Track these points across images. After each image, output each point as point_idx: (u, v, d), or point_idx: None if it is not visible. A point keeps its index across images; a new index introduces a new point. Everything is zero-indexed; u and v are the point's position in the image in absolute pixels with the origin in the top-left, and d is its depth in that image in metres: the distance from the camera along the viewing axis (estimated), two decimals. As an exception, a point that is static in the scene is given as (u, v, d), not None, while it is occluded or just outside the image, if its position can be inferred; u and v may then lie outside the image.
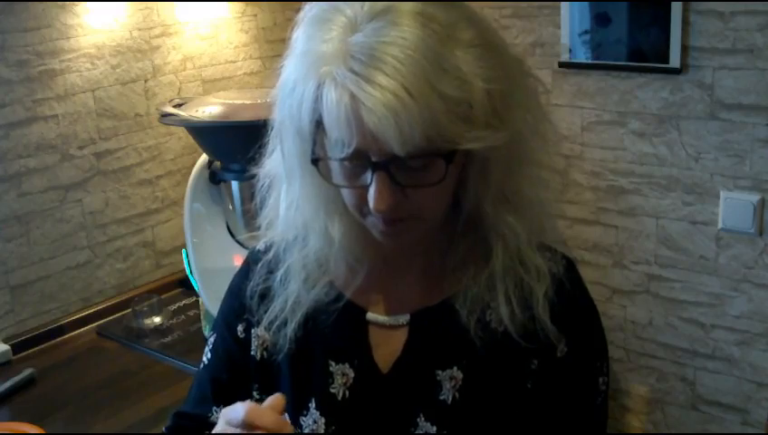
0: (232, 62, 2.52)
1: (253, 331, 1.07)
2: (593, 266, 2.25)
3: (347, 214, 0.96)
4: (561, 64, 2.19)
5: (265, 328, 1.05)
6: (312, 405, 1.02)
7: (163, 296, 2.28)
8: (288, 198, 0.99)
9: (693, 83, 2.01)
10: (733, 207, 2.02)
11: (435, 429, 0.98)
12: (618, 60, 2.10)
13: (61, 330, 2.14)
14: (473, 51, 0.86)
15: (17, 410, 1.81)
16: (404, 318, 1.01)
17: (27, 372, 1.91)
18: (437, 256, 1.01)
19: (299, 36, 0.90)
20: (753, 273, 2.03)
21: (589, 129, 2.21)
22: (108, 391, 1.88)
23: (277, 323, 1.03)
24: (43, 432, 1.67)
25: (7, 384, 1.86)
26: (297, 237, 1.03)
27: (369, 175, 0.87)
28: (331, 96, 0.83)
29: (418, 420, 0.98)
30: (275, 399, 0.87)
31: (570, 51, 2.17)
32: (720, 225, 2.05)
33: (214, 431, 0.91)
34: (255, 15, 2.55)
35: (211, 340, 1.13)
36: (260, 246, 1.10)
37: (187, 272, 2.11)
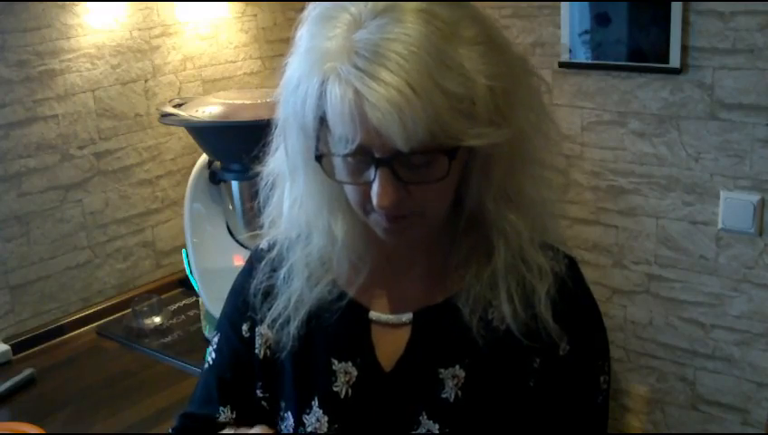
0: (232, 62, 2.52)
1: (257, 329, 1.07)
2: (593, 266, 2.25)
3: (350, 212, 0.96)
4: (561, 64, 2.19)
5: (268, 326, 1.05)
6: (315, 403, 1.02)
7: (163, 296, 2.27)
8: (291, 195, 0.99)
9: (693, 83, 2.01)
10: (733, 207, 2.02)
11: (437, 427, 0.98)
12: (618, 60, 2.10)
13: (61, 330, 2.13)
14: (476, 48, 0.86)
15: (17, 410, 1.81)
16: (407, 317, 1.01)
17: (27, 372, 1.91)
18: (440, 254, 1.01)
19: (303, 34, 0.90)
20: (753, 273, 2.04)
21: (589, 129, 2.21)
22: (108, 391, 1.88)
23: (280, 321, 1.03)
24: (43, 432, 1.67)
25: (7, 384, 1.86)
26: (300, 236, 1.03)
27: (372, 171, 0.87)
28: (334, 92, 0.84)
29: (421, 418, 0.98)
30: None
31: (570, 51, 2.17)
32: (720, 225, 2.05)
33: None
34: (255, 15, 2.55)
35: (215, 340, 1.12)
36: (263, 244, 1.10)
37: (187, 272, 2.11)
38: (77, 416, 1.78)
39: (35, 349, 2.06)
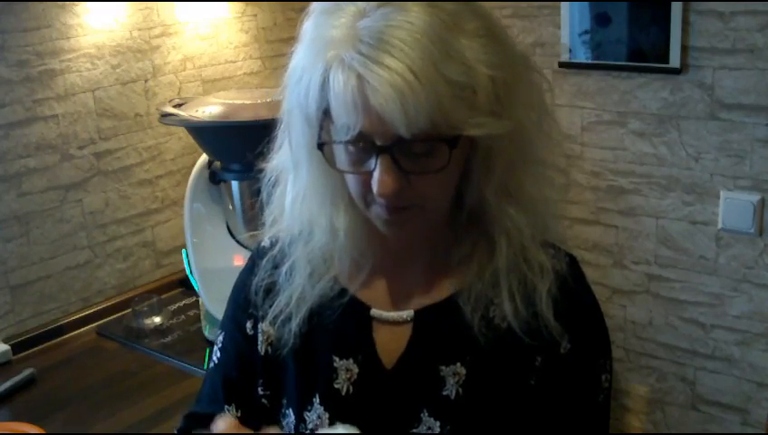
0: (232, 62, 2.52)
1: (259, 326, 1.07)
2: (593, 266, 2.25)
3: (352, 207, 0.97)
4: (561, 64, 2.20)
5: (270, 323, 1.05)
6: (317, 400, 1.02)
7: (163, 296, 2.27)
8: (294, 189, 1.00)
9: (693, 83, 2.02)
10: (733, 207, 2.02)
11: (438, 424, 0.98)
12: (618, 60, 2.11)
13: (61, 330, 2.13)
14: (478, 40, 0.87)
15: (17, 410, 1.81)
16: (408, 314, 1.02)
17: (27, 372, 1.91)
18: (441, 252, 1.01)
19: (308, 26, 0.91)
20: (753, 273, 2.04)
21: (589, 129, 2.21)
22: (108, 391, 1.88)
23: (282, 317, 1.03)
24: (43, 432, 1.67)
25: (7, 384, 1.86)
26: (302, 232, 1.03)
27: (373, 161, 0.88)
28: (338, 78, 0.85)
29: (422, 415, 0.98)
30: None
31: (570, 51, 2.17)
32: (720, 225, 2.05)
33: None
34: (255, 15, 2.55)
35: (219, 339, 1.12)
36: (265, 242, 1.10)
37: (187, 272, 2.11)
38: (77, 416, 1.78)
39: (35, 349, 2.06)
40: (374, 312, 1.03)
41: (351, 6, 0.87)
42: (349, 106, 0.85)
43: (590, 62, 2.15)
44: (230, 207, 2.09)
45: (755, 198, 1.99)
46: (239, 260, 2.05)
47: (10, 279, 2.05)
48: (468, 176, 0.94)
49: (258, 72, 2.59)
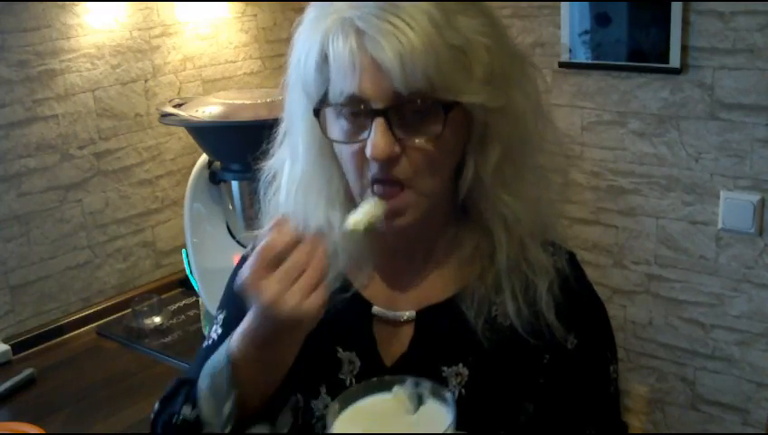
0: (232, 62, 2.52)
1: None
2: (593, 266, 2.25)
3: (348, 205, 0.96)
4: (561, 64, 2.20)
5: None
6: (323, 390, 1.02)
7: (163, 296, 2.27)
8: (290, 178, 1.00)
9: (693, 83, 2.02)
10: (733, 207, 2.02)
11: (440, 425, 0.98)
12: (618, 60, 2.10)
13: (61, 330, 2.13)
14: (479, 19, 0.90)
15: (17, 410, 1.81)
16: (410, 314, 1.02)
17: (27, 372, 1.91)
18: (443, 252, 1.02)
19: (310, 10, 0.93)
20: (753, 273, 2.04)
21: (589, 129, 2.21)
22: (108, 391, 1.88)
23: None
24: (43, 432, 1.67)
25: (7, 384, 1.86)
26: (298, 228, 1.02)
27: (367, 132, 0.88)
28: (337, 38, 0.87)
29: (424, 415, 0.98)
30: (276, 220, 0.88)
31: (570, 51, 2.17)
32: (720, 225, 2.05)
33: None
34: (255, 15, 2.55)
35: (220, 317, 1.10)
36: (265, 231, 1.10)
37: (187, 272, 2.11)
38: (77, 416, 1.78)
39: (35, 349, 2.06)
40: (376, 310, 1.03)
41: None
42: (347, 65, 0.86)
43: (590, 62, 2.15)
44: (230, 207, 2.09)
45: (755, 197, 1.99)
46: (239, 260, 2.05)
47: (10, 279, 2.05)
48: (465, 162, 0.95)
49: (258, 72, 2.59)
